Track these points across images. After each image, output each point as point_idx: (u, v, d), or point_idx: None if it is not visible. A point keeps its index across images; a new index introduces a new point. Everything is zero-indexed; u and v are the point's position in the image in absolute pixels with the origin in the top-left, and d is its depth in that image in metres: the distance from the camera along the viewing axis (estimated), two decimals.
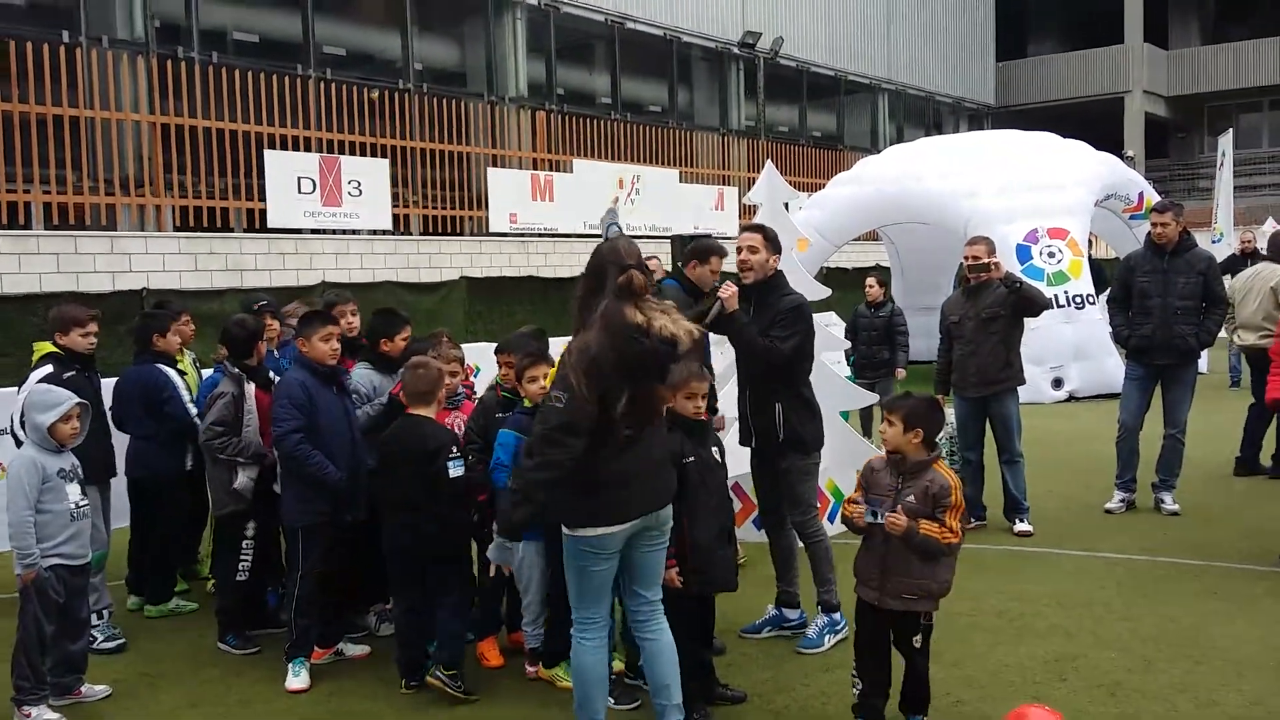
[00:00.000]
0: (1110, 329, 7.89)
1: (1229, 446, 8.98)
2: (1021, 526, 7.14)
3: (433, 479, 4.76)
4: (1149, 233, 7.46)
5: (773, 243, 5.24)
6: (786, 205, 7.88)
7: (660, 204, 18.39)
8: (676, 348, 3.84)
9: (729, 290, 5.02)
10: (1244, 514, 7.46)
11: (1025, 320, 7.21)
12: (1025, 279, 7.41)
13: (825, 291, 7.96)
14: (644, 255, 4.25)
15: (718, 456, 4.62)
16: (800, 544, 5.33)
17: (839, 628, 5.14)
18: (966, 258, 7.31)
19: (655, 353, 3.82)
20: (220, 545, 5.69)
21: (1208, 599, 5.74)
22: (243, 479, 5.40)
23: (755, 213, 7.68)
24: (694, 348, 4.05)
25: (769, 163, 7.82)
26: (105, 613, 5.61)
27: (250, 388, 5.48)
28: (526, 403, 4.97)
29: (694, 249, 6.09)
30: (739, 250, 5.22)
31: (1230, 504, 7.77)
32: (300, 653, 5.05)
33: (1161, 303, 7.22)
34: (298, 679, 4.99)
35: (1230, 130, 23.84)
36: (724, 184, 20.83)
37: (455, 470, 4.81)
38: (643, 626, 4.07)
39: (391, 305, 7.78)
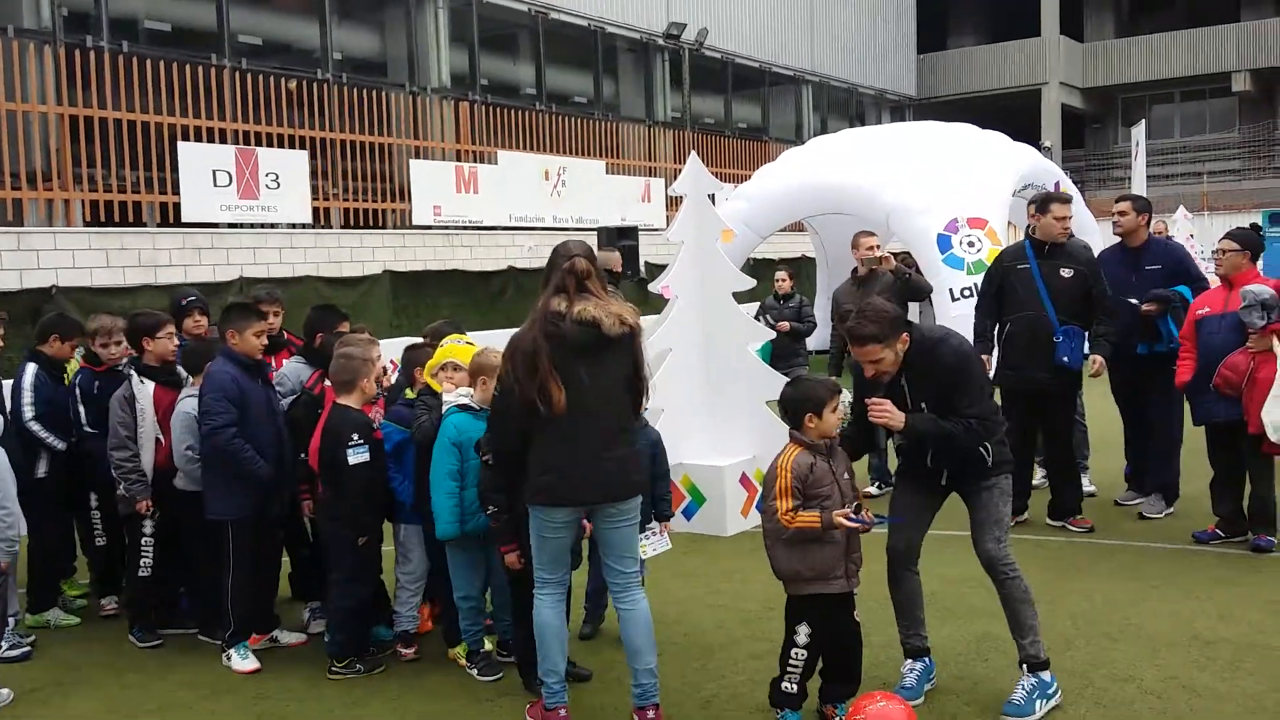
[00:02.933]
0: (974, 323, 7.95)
1: None
2: None
3: (336, 465, 4.85)
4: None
5: (896, 322, 4.29)
6: (712, 197, 7.92)
7: (587, 195, 18.30)
8: (599, 329, 3.97)
9: (882, 414, 4.26)
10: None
11: (938, 308, 7.42)
12: (911, 272, 7.72)
13: (750, 282, 8.02)
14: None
15: None
16: (999, 588, 4.41)
17: (1051, 691, 4.30)
18: (870, 248, 7.81)
19: (568, 335, 3.96)
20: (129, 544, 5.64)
21: (1125, 578, 5.88)
22: (124, 488, 5.41)
23: (680, 204, 7.70)
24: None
25: (693, 154, 7.83)
26: (12, 620, 5.44)
27: (148, 387, 5.38)
28: (408, 393, 5.15)
29: (1037, 199, 6.59)
30: (869, 358, 4.29)
31: None
32: (239, 639, 5.15)
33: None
34: (245, 662, 5.10)
35: (1143, 121, 24.50)
36: (651, 175, 20.82)
37: (355, 457, 4.84)
38: (618, 597, 4.28)
39: (313, 300, 7.69)
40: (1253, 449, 6.19)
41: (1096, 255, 7.06)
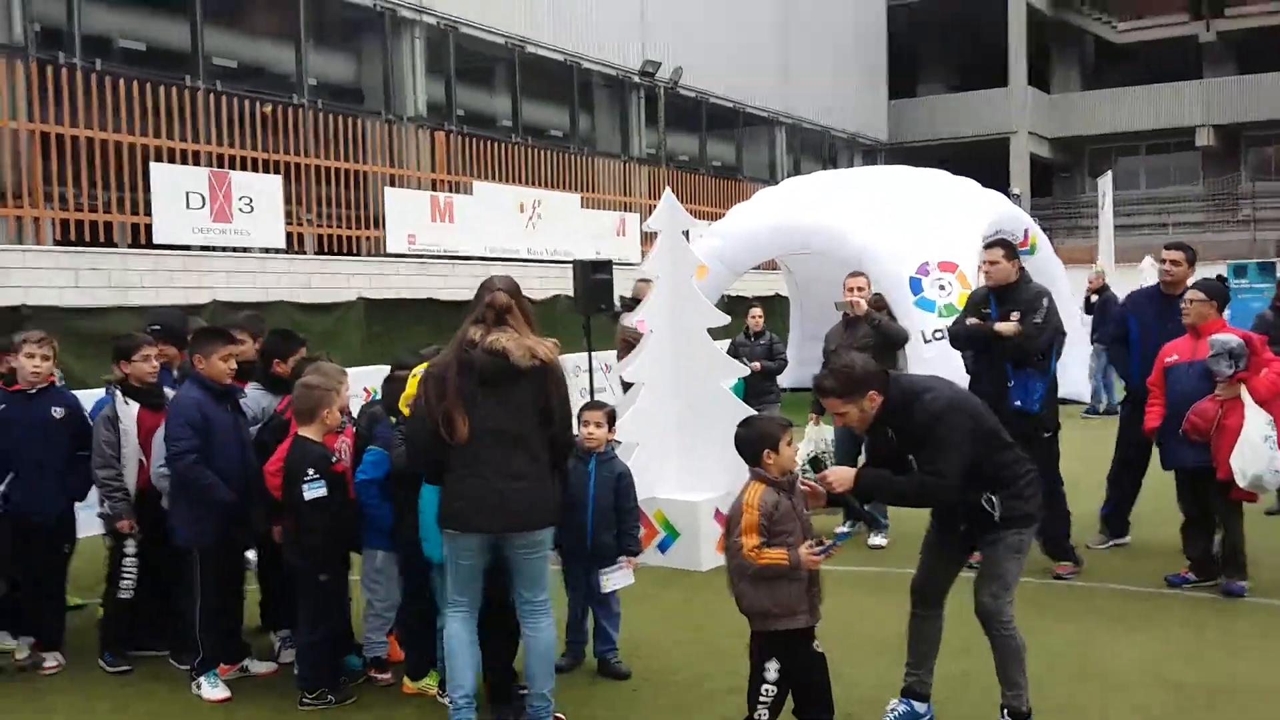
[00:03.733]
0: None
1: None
2: (875, 540, 7.61)
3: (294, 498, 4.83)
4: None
5: (862, 381, 4.24)
6: (686, 234, 7.95)
7: (562, 229, 18.32)
8: (508, 359, 4.11)
9: (831, 480, 4.24)
10: (1134, 536, 7.68)
11: (910, 350, 7.44)
12: (883, 318, 7.72)
13: (725, 318, 8.05)
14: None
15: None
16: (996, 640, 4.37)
17: None
18: (849, 289, 7.72)
19: (477, 364, 4.12)
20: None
21: (1099, 620, 5.90)
22: (107, 506, 5.35)
23: (655, 240, 7.73)
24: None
25: (667, 190, 7.88)
26: None
27: (132, 408, 5.33)
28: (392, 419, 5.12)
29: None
30: (831, 410, 4.36)
31: None
32: (209, 667, 5.08)
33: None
34: (215, 690, 5.03)
35: (1110, 172, 24.92)
36: (626, 210, 20.90)
37: (311, 493, 4.79)
38: (524, 621, 4.40)
39: (286, 326, 7.61)
40: (1221, 495, 6.26)
41: (1129, 296, 7.29)
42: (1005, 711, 4.33)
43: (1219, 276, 7.09)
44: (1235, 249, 30.70)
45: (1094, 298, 15.61)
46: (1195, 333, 6.48)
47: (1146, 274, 20.44)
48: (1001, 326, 6.56)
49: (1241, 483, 6.07)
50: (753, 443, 4.22)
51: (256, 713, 4.86)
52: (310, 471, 4.81)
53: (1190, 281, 6.96)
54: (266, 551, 5.48)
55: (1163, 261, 7.10)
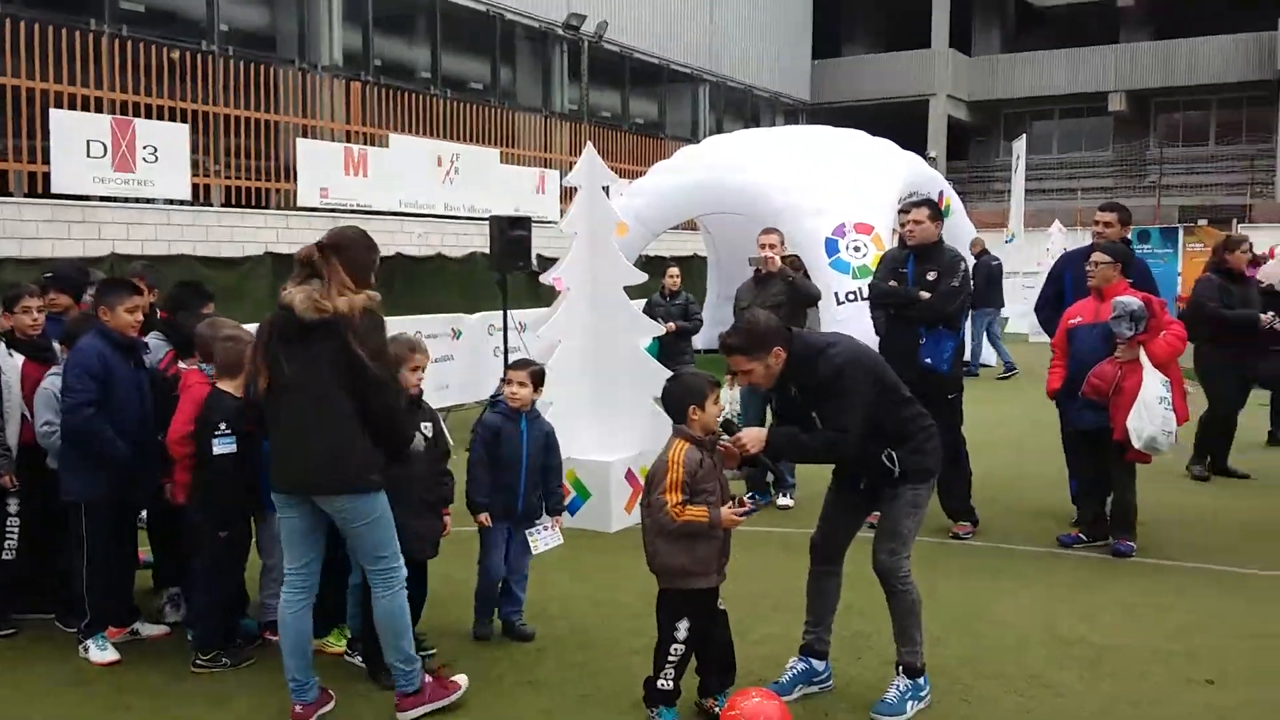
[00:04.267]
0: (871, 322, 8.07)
1: (1011, 432, 9.51)
2: (784, 500, 7.74)
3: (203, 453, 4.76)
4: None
5: (766, 337, 4.25)
6: (606, 190, 7.89)
7: (480, 184, 18.05)
8: (293, 311, 3.98)
9: (745, 441, 4.24)
10: (1026, 498, 7.92)
11: (823, 311, 7.47)
12: (797, 276, 7.75)
13: (642, 276, 8.03)
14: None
15: (426, 432, 4.74)
16: (888, 594, 4.45)
17: (924, 694, 4.40)
18: (761, 246, 7.72)
19: (275, 320, 4.07)
20: None
21: (993, 579, 6.06)
22: None
23: (574, 195, 7.66)
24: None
25: (589, 146, 7.79)
26: None
27: (16, 360, 5.14)
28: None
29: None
30: (736, 368, 4.35)
31: (1014, 489, 8.22)
32: (97, 629, 4.95)
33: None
34: (104, 653, 4.91)
35: (1024, 136, 25.35)
36: (546, 166, 20.67)
37: (220, 447, 4.74)
38: (372, 590, 4.31)
39: (190, 280, 7.42)
40: (1116, 456, 6.44)
41: (1064, 254, 7.20)
42: (900, 668, 4.43)
43: (1124, 239, 7.19)
44: (1141, 215, 31.51)
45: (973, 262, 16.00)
46: (1099, 295, 6.61)
47: (1055, 238, 20.93)
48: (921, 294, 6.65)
49: (1136, 444, 6.24)
50: (679, 398, 4.22)
51: (147, 676, 4.75)
52: (222, 425, 4.75)
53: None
54: (159, 509, 5.35)
55: (1096, 223, 7.15)
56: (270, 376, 4.07)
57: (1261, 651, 4.94)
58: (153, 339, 5.48)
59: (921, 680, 4.42)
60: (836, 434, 4.19)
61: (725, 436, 4.30)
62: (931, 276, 6.67)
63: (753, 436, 4.26)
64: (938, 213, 6.89)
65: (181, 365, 5.21)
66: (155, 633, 5.25)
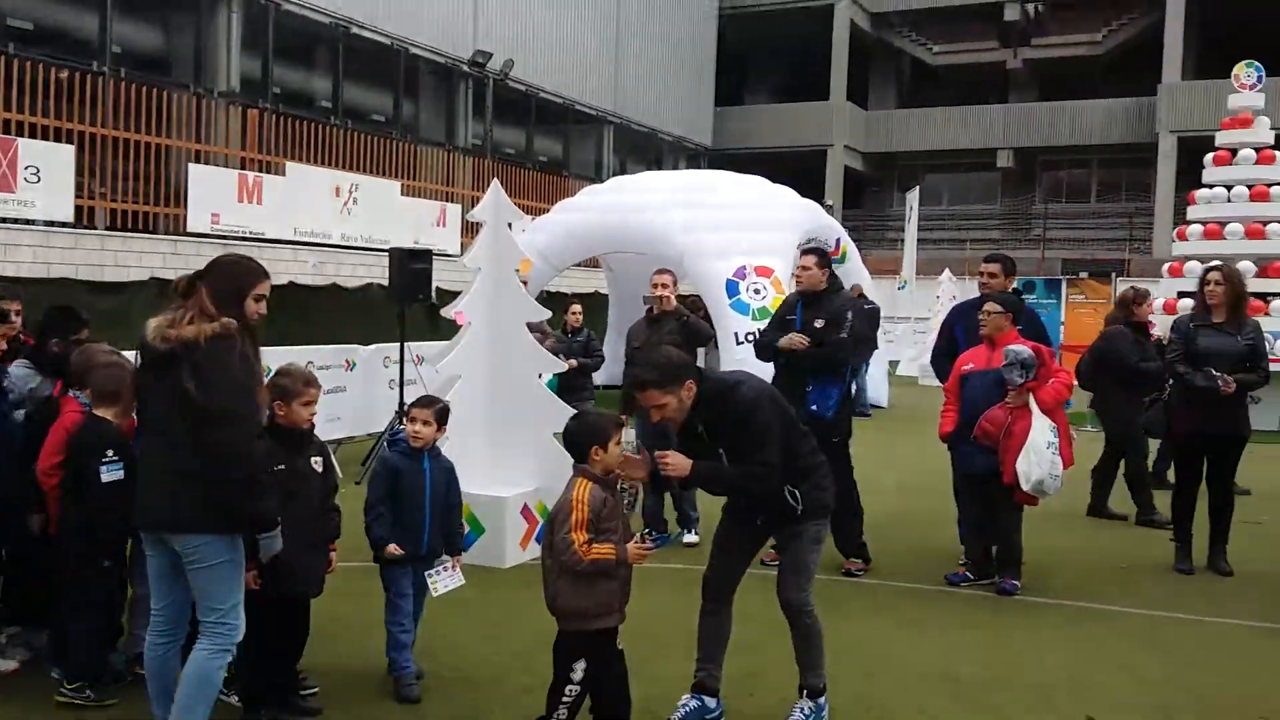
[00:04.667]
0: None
1: (901, 474, 9.68)
2: (690, 538, 7.67)
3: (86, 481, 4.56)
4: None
5: (679, 371, 4.28)
6: (510, 226, 7.85)
7: (379, 215, 17.85)
8: (145, 343, 3.83)
9: (667, 466, 4.24)
10: (912, 536, 8.04)
11: (723, 351, 7.51)
12: (690, 316, 7.82)
13: (545, 313, 8.01)
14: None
15: (316, 467, 4.54)
16: (800, 628, 4.49)
17: (824, 716, 4.51)
18: (654, 285, 7.76)
19: (140, 347, 3.93)
20: None
21: (883, 616, 6.12)
22: None
23: (478, 230, 7.60)
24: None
25: (495, 181, 7.76)
26: None
27: None
28: None
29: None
30: (649, 403, 4.29)
31: (901, 526, 8.35)
32: None
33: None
34: None
35: (917, 188, 26.13)
36: (448, 200, 20.54)
37: (109, 475, 4.56)
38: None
39: (70, 305, 7.11)
40: (1005, 498, 6.59)
41: (955, 307, 7.32)
42: (804, 691, 4.49)
43: (1015, 290, 7.41)
44: (1026, 266, 32.70)
45: None
46: (991, 343, 6.79)
47: (945, 286, 21.56)
48: (786, 341, 6.72)
49: (1025, 486, 6.39)
50: (583, 438, 4.17)
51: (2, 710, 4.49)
52: (110, 453, 4.57)
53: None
54: (12, 541, 5.06)
55: (981, 274, 7.30)
56: (137, 409, 4.02)
57: (1137, 687, 5.07)
58: (17, 367, 5.20)
59: (822, 701, 4.51)
60: (760, 467, 4.22)
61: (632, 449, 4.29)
62: (819, 324, 6.75)
63: (677, 461, 4.25)
64: (825, 261, 6.98)
65: (73, 394, 4.97)
66: (5, 668, 4.96)
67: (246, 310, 3.89)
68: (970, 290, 10.14)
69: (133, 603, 4.96)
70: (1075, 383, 7.06)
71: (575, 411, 4.58)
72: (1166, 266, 16.82)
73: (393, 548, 4.82)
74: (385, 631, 4.92)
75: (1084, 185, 38.59)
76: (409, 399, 7.00)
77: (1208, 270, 7.25)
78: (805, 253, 7.02)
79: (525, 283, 8.73)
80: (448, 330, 9.16)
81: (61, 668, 4.72)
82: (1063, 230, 36.89)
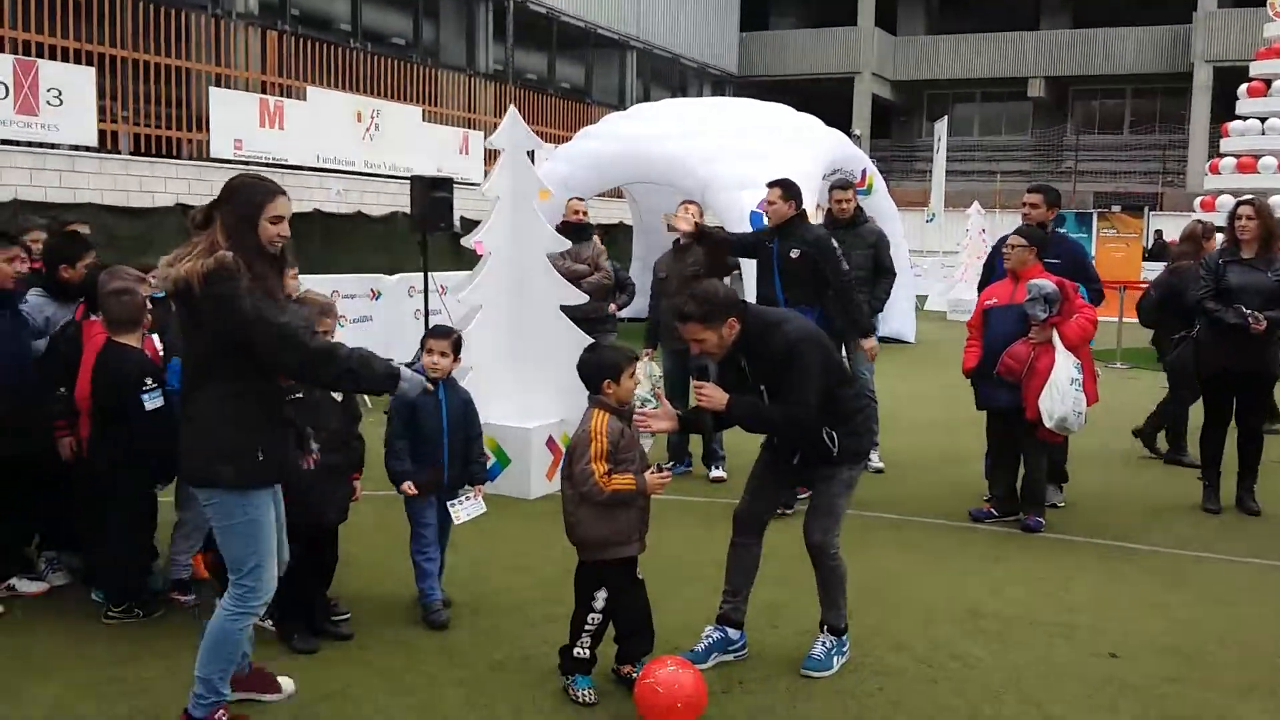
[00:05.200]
0: None
1: (926, 409, 9.65)
2: (716, 473, 7.67)
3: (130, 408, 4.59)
4: (828, 208, 7.96)
5: (724, 307, 4.23)
6: (532, 154, 7.76)
7: (401, 142, 17.68)
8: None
9: (703, 396, 4.23)
10: (942, 472, 8.04)
11: (746, 281, 7.44)
12: (712, 231, 7.69)
13: (565, 243, 7.93)
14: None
15: (335, 395, 4.54)
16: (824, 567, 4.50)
17: (846, 649, 4.55)
18: (677, 216, 7.67)
19: None
20: None
21: (907, 552, 6.14)
22: None
23: (497, 157, 7.52)
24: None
25: (512, 108, 7.65)
26: None
27: None
28: None
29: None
30: (690, 336, 4.26)
31: (930, 462, 8.35)
32: None
33: None
34: None
35: (946, 117, 25.69)
36: (470, 127, 20.34)
37: (152, 403, 4.61)
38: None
39: (95, 229, 7.13)
40: (1028, 434, 6.56)
41: (998, 241, 7.15)
42: (825, 627, 4.54)
43: (1040, 224, 7.28)
44: None
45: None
46: (1014, 277, 6.71)
47: (974, 219, 21.28)
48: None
49: (1048, 423, 6.36)
50: (595, 370, 4.18)
51: (52, 637, 4.59)
52: (149, 381, 4.62)
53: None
54: (43, 466, 5.11)
55: (1023, 205, 7.21)
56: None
57: (1161, 626, 5.07)
58: (33, 295, 5.20)
59: (844, 638, 4.55)
60: (799, 407, 4.18)
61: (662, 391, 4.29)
62: (795, 254, 6.71)
63: (713, 394, 4.23)
64: (790, 192, 6.86)
65: (94, 317, 5.00)
66: (33, 590, 5.08)
67: (262, 235, 3.55)
68: (999, 223, 10.03)
69: (174, 527, 5.03)
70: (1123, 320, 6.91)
71: (588, 344, 4.54)
72: (1198, 200, 16.56)
73: (407, 486, 4.86)
74: (412, 561, 4.97)
75: (1117, 116, 37.86)
76: None
77: (1239, 204, 7.08)
78: (770, 185, 6.94)
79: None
80: (471, 260, 9.12)
81: (103, 590, 4.82)
82: (1095, 162, 36.30)
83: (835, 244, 6.87)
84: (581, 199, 9.27)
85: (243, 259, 3.48)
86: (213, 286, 3.42)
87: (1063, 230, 7.50)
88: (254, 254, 3.53)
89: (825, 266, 6.73)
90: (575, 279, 8.01)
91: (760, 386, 4.30)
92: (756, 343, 4.26)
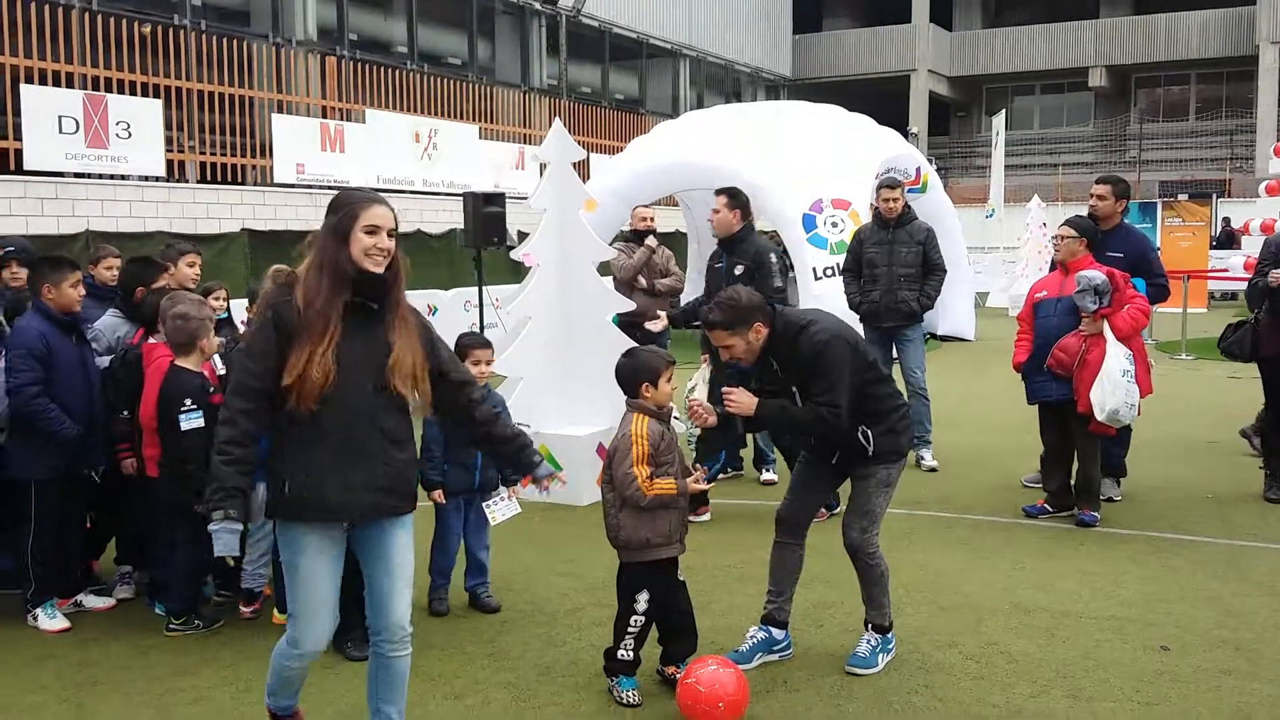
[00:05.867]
0: (845, 297, 8.24)
1: (980, 406, 9.57)
2: (767, 475, 7.72)
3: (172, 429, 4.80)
4: (876, 207, 7.98)
5: (749, 313, 4.28)
6: (585, 164, 7.88)
7: (459, 160, 18.00)
8: None
9: (731, 402, 4.29)
10: (992, 469, 7.98)
11: (801, 287, 7.48)
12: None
13: (612, 253, 8.05)
14: None
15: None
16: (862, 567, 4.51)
17: (891, 647, 4.55)
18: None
19: None
20: None
21: (957, 549, 6.12)
22: None
23: (545, 171, 7.65)
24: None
25: (557, 121, 7.79)
26: None
27: None
28: None
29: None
30: (718, 343, 4.35)
31: (986, 460, 8.30)
32: (44, 598, 5.01)
33: (887, 270, 7.79)
34: (53, 621, 4.98)
35: (1003, 111, 25.36)
36: (525, 142, 20.61)
37: (188, 423, 4.79)
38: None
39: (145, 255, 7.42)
40: (1081, 428, 6.49)
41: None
42: (869, 625, 4.56)
43: (1089, 214, 7.20)
44: None
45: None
46: (1064, 269, 6.66)
47: (1034, 213, 20.97)
48: None
49: (1100, 416, 6.29)
50: (632, 374, 4.26)
51: (110, 649, 4.79)
52: (188, 401, 4.81)
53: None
54: (112, 485, 5.35)
55: (1091, 196, 7.17)
56: None
57: (1216, 618, 5.01)
58: (109, 316, 5.47)
59: (889, 636, 4.56)
60: (828, 409, 4.22)
61: (696, 395, 4.36)
62: (739, 270, 6.67)
63: (740, 399, 4.30)
64: (736, 201, 6.83)
65: (151, 340, 5.22)
66: (100, 605, 5.29)
67: (355, 249, 3.25)
68: (1061, 216, 9.92)
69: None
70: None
71: (627, 349, 4.62)
72: (1264, 185, 16.16)
73: (436, 495, 5.09)
74: (430, 555, 5.19)
75: (1182, 102, 37.02)
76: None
77: None
78: (717, 194, 6.90)
79: None
80: (526, 273, 9.27)
81: (164, 605, 5.03)
82: (1160, 151, 35.51)
83: (774, 259, 6.78)
84: (647, 206, 9.42)
85: (328, 277, 3.24)
86: (260, 309, 3.46)
87: (1129, 222, 7.37)
88: (341, 272, 3.24)
89: (759, 281, 6.48)
90: (651, 284, 8.13)
91: (793, 388, 4.34)
92: (785, 346, 4.30)
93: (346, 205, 3.31)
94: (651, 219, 9.09)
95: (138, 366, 5.09)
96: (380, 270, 3.30)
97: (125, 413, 5.12)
